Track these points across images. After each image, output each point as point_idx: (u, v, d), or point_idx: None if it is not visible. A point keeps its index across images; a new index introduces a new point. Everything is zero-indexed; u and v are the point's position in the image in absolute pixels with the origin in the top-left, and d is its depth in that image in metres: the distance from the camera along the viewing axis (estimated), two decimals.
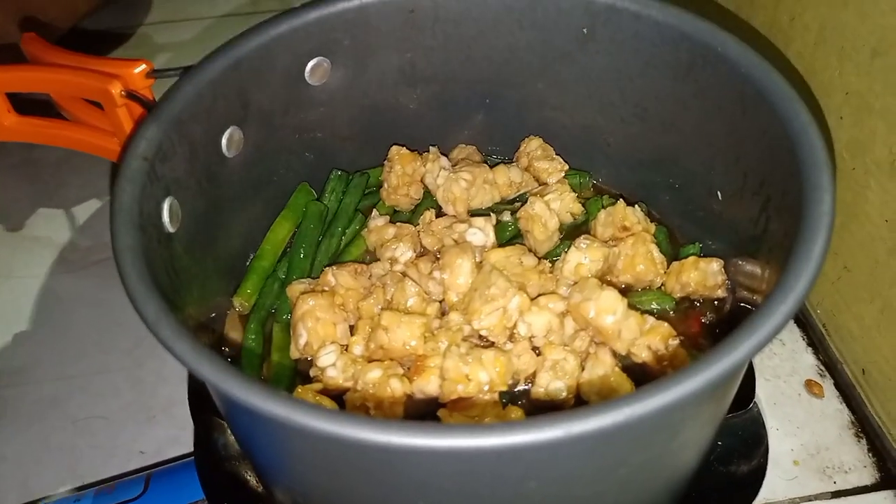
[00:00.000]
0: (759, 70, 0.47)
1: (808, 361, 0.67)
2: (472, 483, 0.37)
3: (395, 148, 0.62)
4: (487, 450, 0.32)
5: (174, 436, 0.63)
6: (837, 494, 0.59)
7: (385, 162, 0.63)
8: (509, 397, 0.50)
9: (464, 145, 0.66)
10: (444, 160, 0.62)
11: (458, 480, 0.37)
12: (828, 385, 0.65)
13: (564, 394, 0.49)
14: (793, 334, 0.69)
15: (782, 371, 0.67)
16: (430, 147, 0.63)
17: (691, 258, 0.55)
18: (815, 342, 0.68)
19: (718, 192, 0.54)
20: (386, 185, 0.63)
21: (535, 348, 0.51)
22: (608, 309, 0.49)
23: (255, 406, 0.33)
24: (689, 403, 0.34)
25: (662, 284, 0.56)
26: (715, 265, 0.54)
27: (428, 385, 0.47)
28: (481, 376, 0.47)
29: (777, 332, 0.35)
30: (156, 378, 0.67)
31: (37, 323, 0.72)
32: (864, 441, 0.62)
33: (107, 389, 0.67)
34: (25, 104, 0.58)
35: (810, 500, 0.58)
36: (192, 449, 0.61)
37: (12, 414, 0.65)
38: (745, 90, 0.48)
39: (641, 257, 0.54)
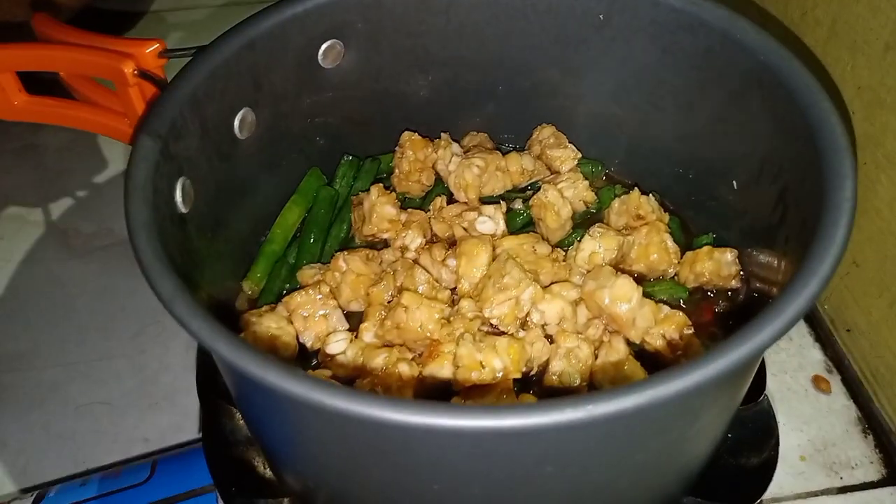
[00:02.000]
0: (778, 57, 0.47)
1: (815, 357, 0.67)
2: (489, 466, 0.37)
3: (406, 133, 0.62)
4: (509, 431, 0.32)
5: (177, 423, 0.62)
6: (844, 490, 0.59)
7: (396, 148, 0.63)
8: (521, 385, 0.50)
9: (475, 132, 0.66)
10: (456, 146, 0.61)
11: (474, 463, 0.36)
12: (835, 381, 0.65)
13: (578, 381, 0.49)
14: (800, 329, 0.69)
15: (789, 366, 0.67)
16: (442, 133, 0.62)
17: (705, 248, 0.54)
18: (823, 338, 0.68)
19: (734, 182, 0.54)
20: (397, 171, 0.62)
21: (547, 336, 0.51)
22: (623, 297, 0.49)
23: (272, 384, 0.33)
24: (712, 387, 0.33)
25: (676, 274, 0.56)
26: (729, 255, 0.53)
27: (441, 370, 0.47)
28: (495, 363, 0.46)
29: (801, 316, 0.35)
30: (159, 365, 0.67)
31: (39, 308, 0.71)
32: (870, 437, 0.62)
33: (109, 376, 0.66)
34: (35, 84, 0.58)
35: (816, 496, 0.58)
36: (195, 436, 0.61)
37: (13, 399, 0.65)
38: (764, 78, 0.47)
39: (655, 247, 0.54)
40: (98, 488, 0.52)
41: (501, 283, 0.50)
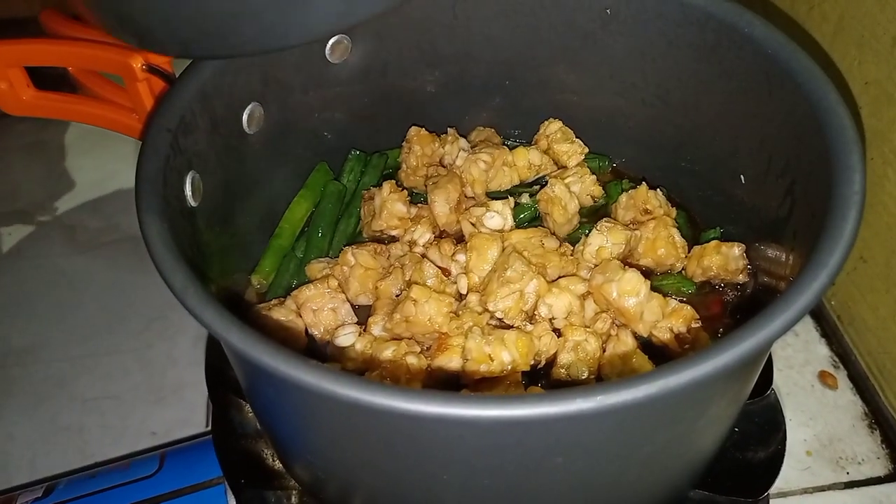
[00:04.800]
0: (785, 50, 0.47)
1: (821, 352, 0.67)
2: (500, 456, 0.37)
3: (414, 129, 0.62)
4: (520, 420, 0.32)
5: (184, 417, 0.63)
6: (850, 485, 0.59)
7: (404, 143, 0.63)
8: (529, 378, 0.50)
9: (482, 127, 0.66)
10: (463, 141, 0.61)
11: (485, 454, 0.37)
12: (841, 376, 0.65)
13: (586, 374, 0.49)
14: (806, 325, 0.69)
15: (796, 362, 0.67)
16: (449, 128, 0.62)
17: (713, 242, 0.54)
18: (829, 333, 0.68)
19: (741, 176, 0.54)
20: (404, 167, 0.62)
21: (555, 330, 0.51)
22: (631, 290, 0.49)
23: (285, 373, 0.33)
24: (722, 377, 0.33)
25: (683, 269, 0.56)
26: (737, 250, 0.53)
27: (450, 363, 0.47)
28: (504, 356, 0.46)
29: (811, 307, 0.35)
30: (166, 359, 0.67)
31: (46, 303, 0.72)
32: (877, 432, 0.62)
33: (116, 370, 0.66)
34: (43, 80, 0.58)
35: (823, 491, 0.58)
36: (202, 430, 0.61)
37: (20, 393, 0.65)
38: (771, 71, 0.47)
39: (663, 241, 0.54)
40: (107, 480, 0.52)
41: (505, 276, 0.50)
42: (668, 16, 0.53)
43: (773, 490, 0.52)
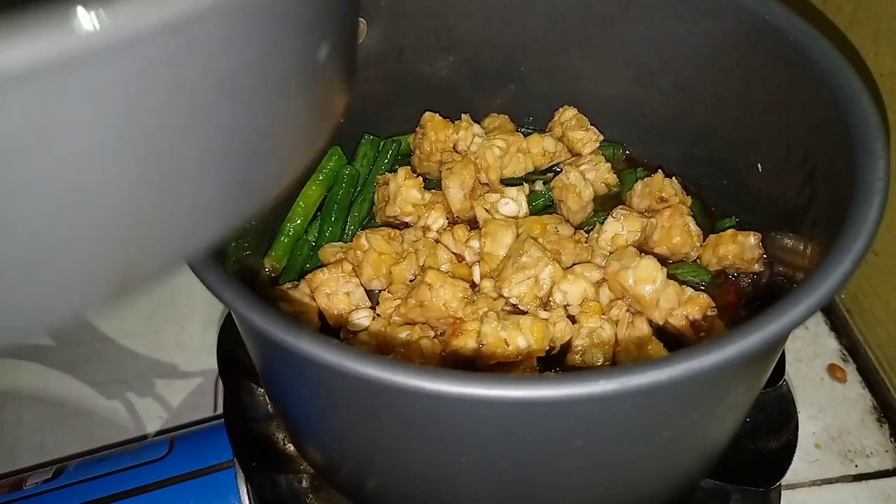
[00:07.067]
0: (807, 38, 0.46)
1: (831, 346, 0.67)
2: (519, 438, 0.36)
3: (428, 114, 0.61)
4: (543, 401, 0.32)
5: (193, 402, 0.63)
6: (859, 478, 0.59)
7: (417, 128, 0.62)
8: (543, 365, 0.50)
9: (496, 114, 0.65)
10: (477, 127, 0.61)
11: (505, 435, 0.36)
12: (850, 369, 0.65)
13: (601, 360, 0.48)
14: (815, 318, 0.69)
15: (805, 355, 0.67)
16: (463, 114, 0.62)
17: (729, 231, 0.54)
18: (839, 326, 0.68)
19: (758, 165, 0.53)
20: (418, 152, 0.62)
21: (570, 317, 0.51)
22: (647, 278, 0.48)
23: (306, 352, 0.33)
24: (746, 362, 0.33)
25: (698, 257, 0.56)
26: (752, 239, 0.53)
27: (465, 347, 0.47)
28: (520, 341, 0.46)
29: (835, 293, 0.35)
30: (174, 344, 0.67)
31: None
32: (886, 426, 0.62)
33: (125, 355, 0.66)
34: None
35: (832, 483, 0.59)
36: (210, 414, 0.61)
37: (29, 378, 0.65)
38: (793, 58, 0.47)
39: (678, 229, 0.54)
40: (117, 463, 0.52)
41: (520, 262, 0.50)
42: (689, 2, 0.52)
43: (781, 482, 0.52)
